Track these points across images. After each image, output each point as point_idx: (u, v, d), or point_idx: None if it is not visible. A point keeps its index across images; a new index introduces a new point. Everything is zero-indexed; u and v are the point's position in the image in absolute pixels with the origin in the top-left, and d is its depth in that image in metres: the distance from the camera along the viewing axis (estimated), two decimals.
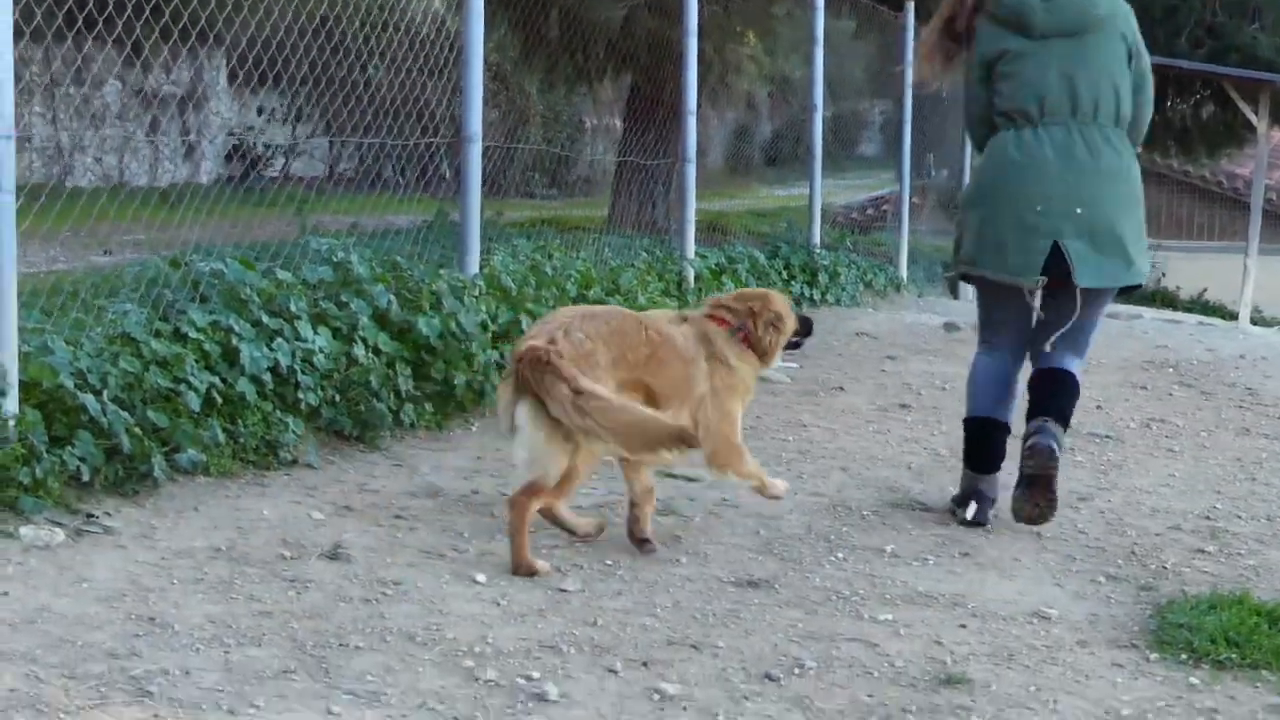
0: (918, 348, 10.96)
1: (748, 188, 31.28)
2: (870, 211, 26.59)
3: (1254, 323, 19.99)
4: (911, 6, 15.23)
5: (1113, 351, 11.50)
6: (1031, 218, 6.14)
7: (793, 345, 6.24)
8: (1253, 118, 18.91)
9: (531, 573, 5.17)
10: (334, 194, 14.44)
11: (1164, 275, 29.29)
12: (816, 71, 13.36)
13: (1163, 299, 26.38)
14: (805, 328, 6.34)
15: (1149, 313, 16.71)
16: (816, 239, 13.37)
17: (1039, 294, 6.14)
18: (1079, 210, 6.12)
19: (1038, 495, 6.09)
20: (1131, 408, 9.27)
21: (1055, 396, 6.32)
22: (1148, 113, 6.37)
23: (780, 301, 6.12)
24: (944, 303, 15.46)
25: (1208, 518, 6.69)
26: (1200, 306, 24.95)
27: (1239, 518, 6.75)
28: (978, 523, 6.24)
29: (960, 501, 6.39)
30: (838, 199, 25.81)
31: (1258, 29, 19.38)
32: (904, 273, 15.16)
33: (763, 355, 5.98)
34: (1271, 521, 6.71)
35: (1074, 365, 6.42)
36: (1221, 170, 29.32)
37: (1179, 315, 18.12)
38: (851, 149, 39.73)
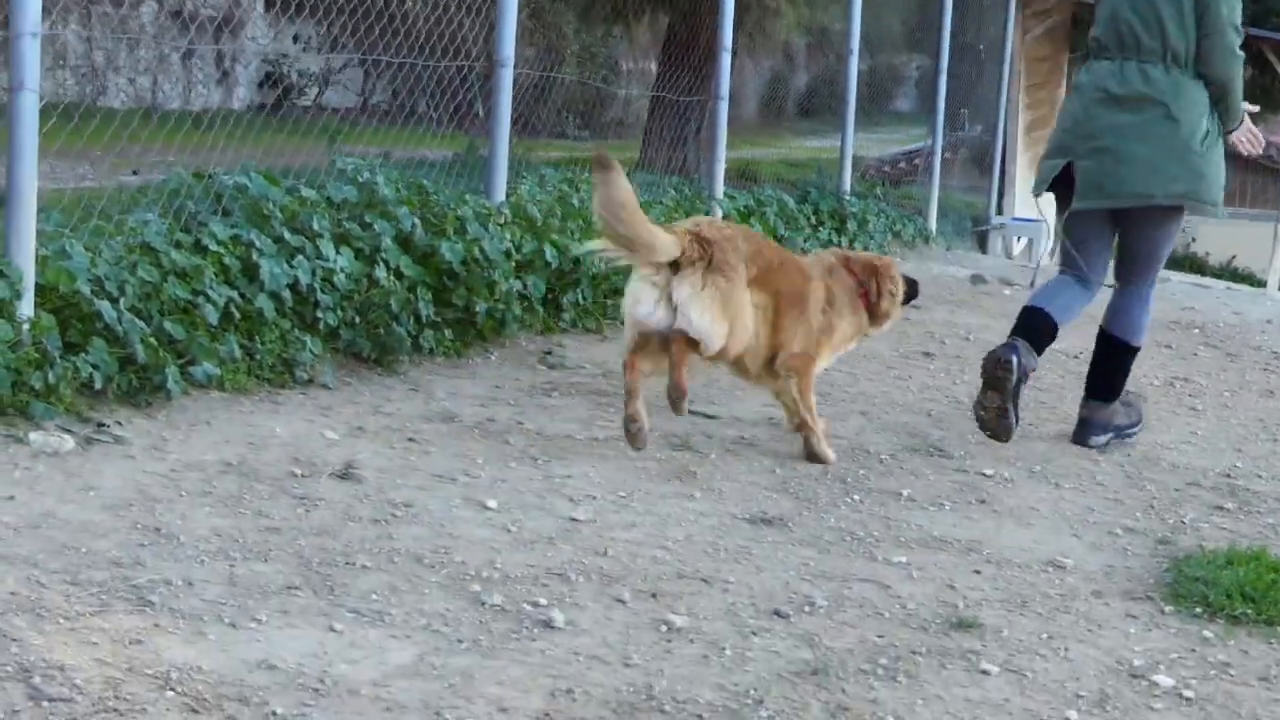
0: (943, 298, 10.87)
1: (780, 137, 31.09)
2: (903, 165, 26.38)
3: None
4: None
5: None
6: (1058, 137, 6.88)
7: (905, 302, 6.67)
8: None
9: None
10: (367, 126, 14.36)
11: (1193, 240, 29.16)
12: (855, 15, 13.23)
13: (1191, 264, 26.23)
14: (913, 290, 6.73)
15: (1176, 276, 16.58)
16: (846, 186, 13.24)
17: (1052, 209, 6.98)
18: (1094, 136, 6.66)
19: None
20: (1156, 365, 9.17)
21: (1101, 373, 6.96)
22: (1218, 56, 6.58)
23: (898, 270, 6.59)
24: (973, 256, 15.38)
25: (1228, 475, 6.64)
26: (1229, 273, 24.82)
27: (1259, 476, 6.70)
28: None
29: None
30: (871, 152, 25.64)
31: None
32: (933, 225, 15.02)
33: (876, 317, 6.45)
34: None
35: (1132, 306, 6.93)
36: None
37: (1207, 280, 17.99)
38: (886, 103, 39.48)
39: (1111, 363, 6.98)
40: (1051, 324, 6.70)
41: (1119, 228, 6.88)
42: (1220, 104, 6.70)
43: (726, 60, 10.59)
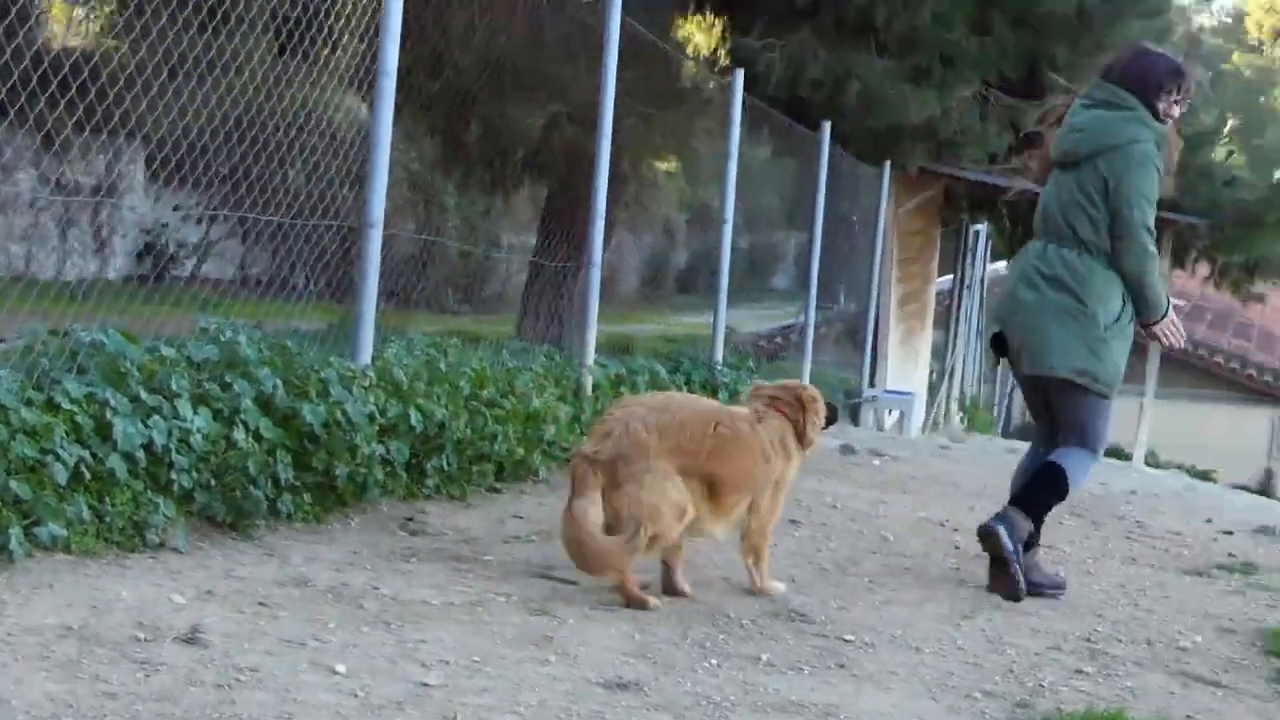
0: (812, 468, 10.85)
1: (660, 313, 31.37)
2: (779, 340, 26.61)
3: (1148, 465, 20.15)
4: (828, 126, 15.29)
5: (1006, 479, 11.51)
6: (995, 306, 7.75)
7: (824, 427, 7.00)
8: None
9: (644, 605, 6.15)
10: (245, 298, 14.29)
11: None
12: (729, 185, 13.38)
13: None
14: (833, 415, 7.08)
15: None
16: (719, 356, 13.32)
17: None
18: (1016, 309, 7.34)
19: (994, 574, 7.20)
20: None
21: (1024, 486, 7.45)
22: (1131, 257, 7.08)
23: (819, 394, 6.97)
24: (845, 428, 15.46)
25: (1088, 639, 6.66)
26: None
27: (1119, 640, 6.72)
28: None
29: None
30: (749, 327, 25.89)
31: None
32: None
33: (804, 444, 6.77)
34: (1151, 645, 6.70)
35: (1065, 458, 7.33)
36: None
37: None
38: (766, 280, 39.98)
39: (1038, 480, 7.41)
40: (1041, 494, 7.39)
41: (1048, 395, 7.39)
42: (1137, 298, 7.15)
43: (599, 227, 10.64)
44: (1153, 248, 7.13)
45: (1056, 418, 7.42)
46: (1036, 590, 7.32)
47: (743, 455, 6.44)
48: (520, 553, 6.97)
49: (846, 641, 6.12)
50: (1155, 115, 7.21)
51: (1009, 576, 7.15)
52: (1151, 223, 7.11)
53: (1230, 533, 10.53)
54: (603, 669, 5.34)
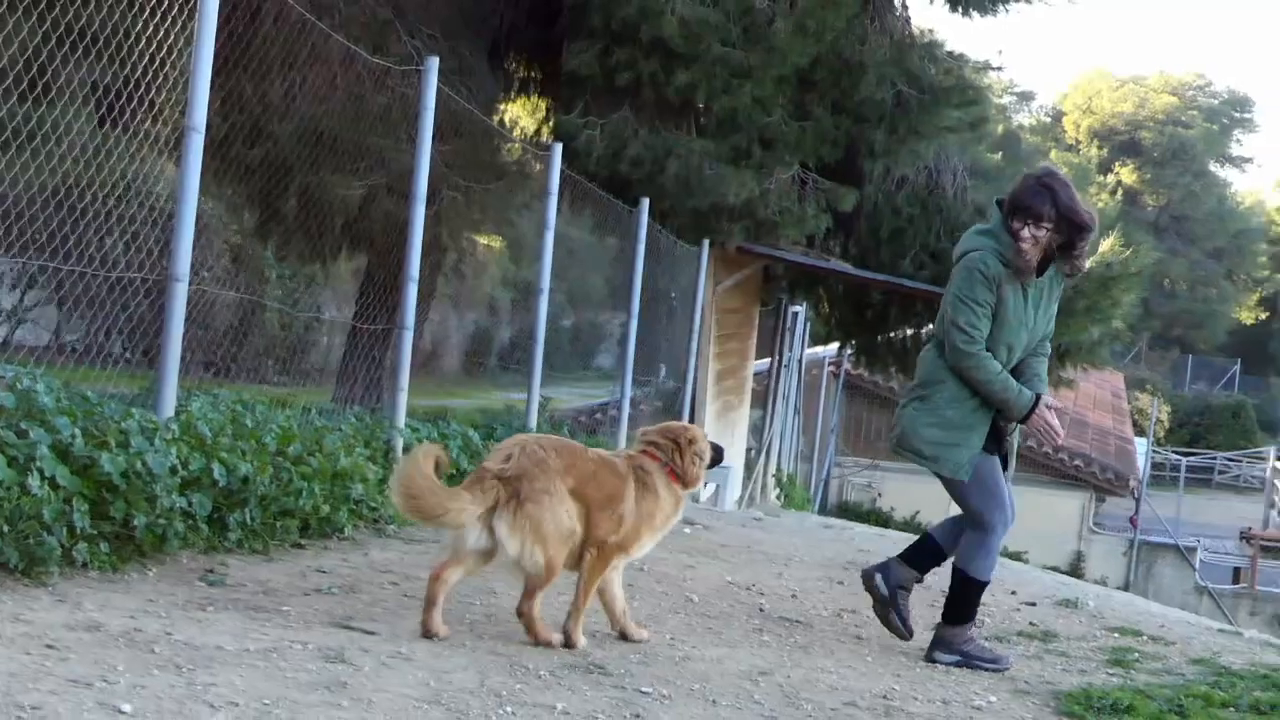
0: None
1: (481, 388, 31.33)
2: (599, 415, 26.75)
3: None
4: (646, 204, 15.42)
5: (817, 552, 11.72)
6: None
7: (711, 465, 7.24)
8: None
9: (548, 643, 6.61)
10: (58, 364, 14.06)
11: (879, 496, 30.02)
12: (546, 255, 13.44)
13: (876, 519, 26.93)
14: (718, 454, 7.29)
15: (860, 527, 17.02)
16: (533, 422, 13.35)
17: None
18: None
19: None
20: (827, 599, 9.34)
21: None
22: (949, 352, 7.68)
23: (699, 433, 7.17)
24: None
25: (884, 697, 6.75)
26: (914, 529, 25.44)
27: (915, 699, 6.83)
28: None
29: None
30: (572, 404, 26.02)
31: None
32: None
33: (687, 483, 7.05)
34: (946, 704, 6.81)
35: (960, 554, 8.10)
36: None
37: (889, 531, 18.45)
38: (590, 359, 40.15)
39: (954, 591, 8.00)
40: (935, 545, 8.28)
41: None
42: (986, 397, 7.68)
43: (412, 290, 10.65)
44: (967, 347, 7.52)
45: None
46: (971, 663, 7.82)
47: (619, 486, 6.79)
48: (321, 604, 6.92)
49: (644, 694, 6.14)
50: (1010, 233, 7.57)
51: (888, 620, 8.11)
52: (965, 322, 7.53)
53: (1033, 604, 10.70)
54: (396, 714, 5.31)
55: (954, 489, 7.89)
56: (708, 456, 7.12)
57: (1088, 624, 10.02)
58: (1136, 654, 8.98)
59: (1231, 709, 7.50)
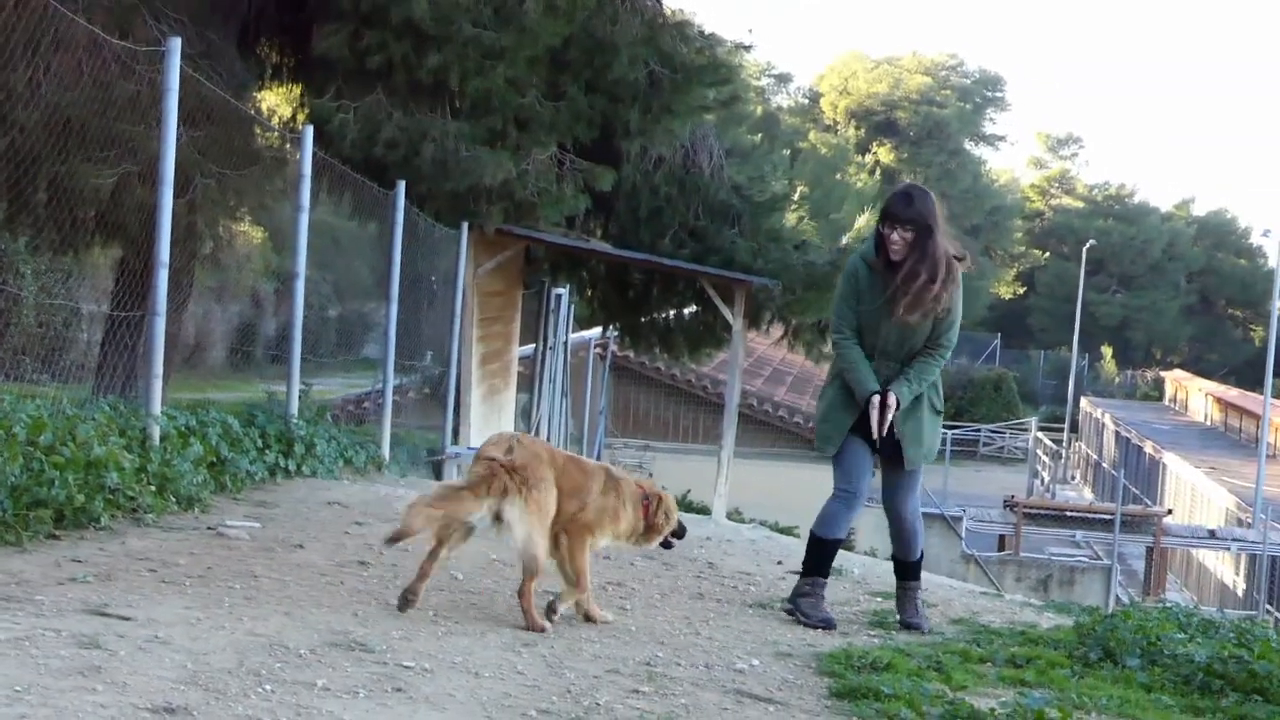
0: (387, 516, 10.87)
1: (248, 381, 30.92)
2: (367, 404, 26.62)
3: (731, 520, 20.63)
4: (402, 187, 15.31)
5: None
6: None
7: (665, 543, 8.07)
8: (730, 316, 19.69)
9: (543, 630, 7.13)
10: None
11: (650, 475, 30.17)
12: (301, 238, 13.30)
13: None
14: (681, 531, 8.11)
15: None
16: (294, 410, 13.21)
17: None
18: None
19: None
20: (594, 571, 9.36)
21: None
22: None
23: (675, 506, 8.03)
24: (427, 482, 15.44)
25: (648, 664, 6.81)
26: (684, 506, 25.64)
27: (679, 664, 6.90)
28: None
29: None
30: (341, 393, 25.85)
31: (736, 233, 20.20)
32: (386, 453, 15.09)
33: (647, 529, 7.79)
34: (709, 669, 6.89)
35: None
36: (706, 375, 30.46)
37: None
38: (357, 349, 39.80)
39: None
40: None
41: None
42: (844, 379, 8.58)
43: (163, 275, 10.48)
44: (832, 334, 8.61)
45: None
46: (797, 613, 8.59)
47: (585, 479, 7.53)
48: (75, 593, 6.79)
49: (406, 668, 6.13)
50: (878, 236, 8.42)
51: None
52: (834, 312, 8.62)
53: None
54: (152, 696, 5.24)
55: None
56: (674, 522, 7.93)
57: (852, 590, 10.20)
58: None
59: (989, 664, 7.69)
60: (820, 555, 8.73)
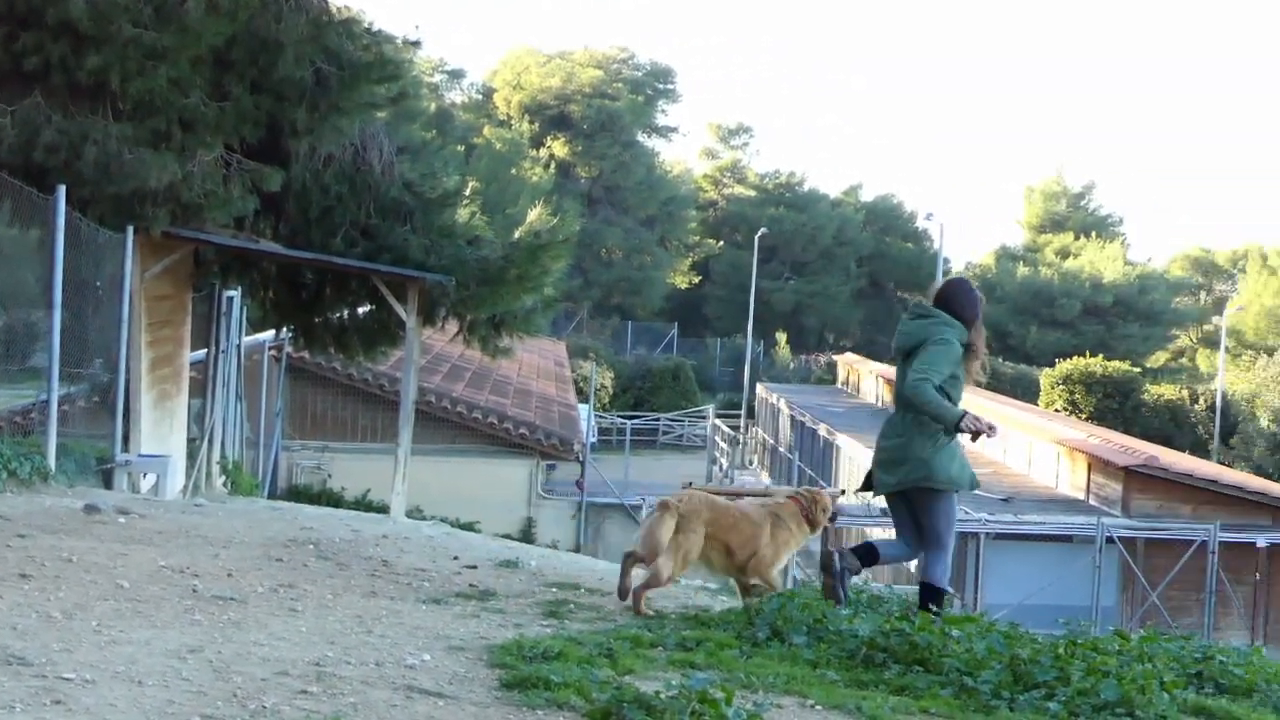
0: (52, 528, 10.67)
1: None
2: (34, 415, 25.91)
3: (412, 518, 20.61)
4: (63, 192, 14.91)
5: (259, 532, 11.69)
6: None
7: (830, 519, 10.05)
8: (403, 314, 19.64)
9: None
10: None
11: (330, 476, 30.04)
12: None
13: (328, 499, 26.94)
14: (835, 514, 10.09)
15: (310, 509, 17.02)
16: None
17: None
18: None
19: (821, 580, 9.64)
20: (264, 576, 9.35)
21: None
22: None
23: (828, 499, 9.98)
24: (96, 491, 15.13)
25: (317, 664, 6.83)
26: (364, 506, 25.54)
27: (348, 663, 6.93)
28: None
29: None
30: (8, 405, 25.09)
31: (409, 231, 20.13)
32: (52, 463, 14.73)
33: (812, 526, 9.84)
34: (380, 666, 6.94)
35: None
36: (384, 373, 30.35)
37: (339, 510, 18.51)
38: (25, 359, 38.64)
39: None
40: (874, 550, 9.74)
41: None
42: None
43: None
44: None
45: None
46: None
47: (757, 525, 9.62)
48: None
49: (66, 680, 6.06)
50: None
51: (832, 589, 9.43)
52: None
53: (474, 566, 10.96)
54: None
55: None
56: (829, 508, 9.92)
57: (527, 582, 10.35)
58: (572, 605, 9.34)
59: (660, 648, 7.87)
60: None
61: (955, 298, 9.81)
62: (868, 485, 9.93)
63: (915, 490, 9.56)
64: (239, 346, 24.69)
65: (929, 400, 9.35)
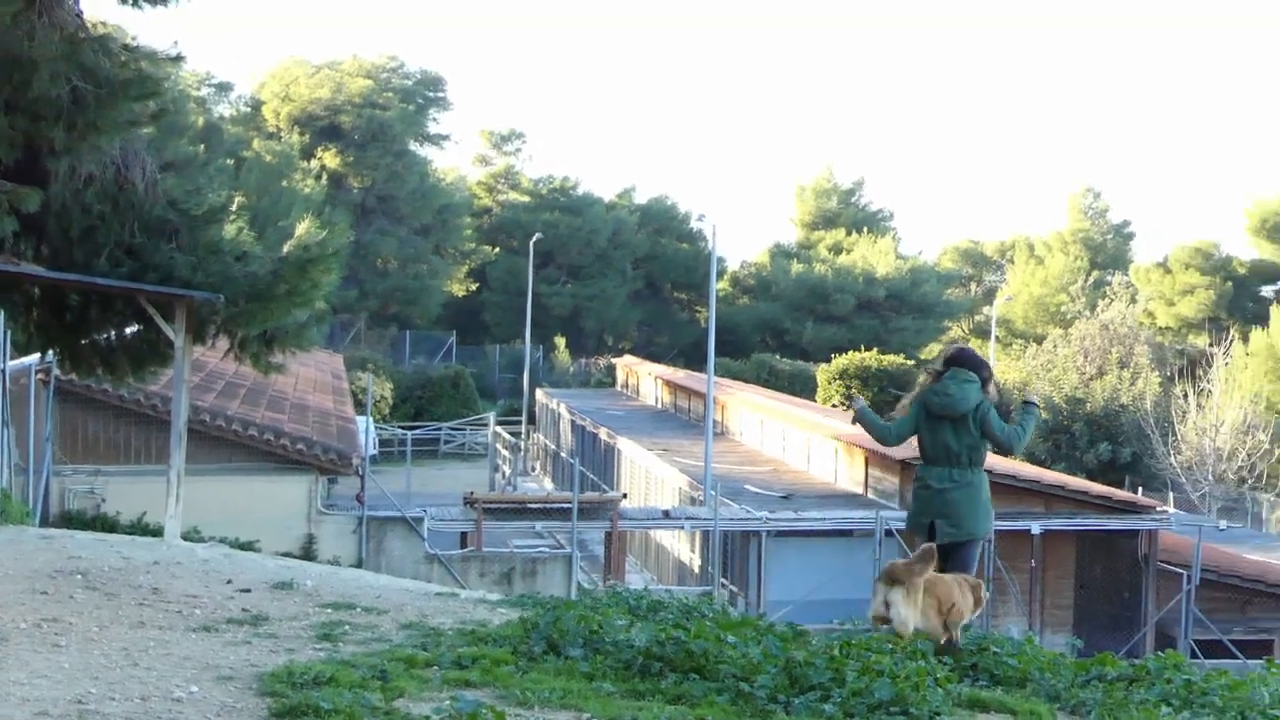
0: None
1: None
2: None
3: (189, 540, 20.24)
4: None
5: (25, 564, 11.40)
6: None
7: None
8: (170, 333, 19.28)
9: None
10: None
11: (104, 501, 29.41)
12: None
13: (103, 524, 26.36)
14: (982, 597, 10.41)
15: (82, 535, 16.65)
16: None
17: None
18: None
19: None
20: (28, 610, 9.14)
21: None
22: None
23: (980, 583, 10.44)
24: None
25: (80, 701, 6.70)
26: (140, 530, 25.06)
27: (113, 699, 6.81)
28: None
29: None
30: None
31: (175, 248, 19.77)
32: None
33: (975, 603, 10.15)
34: (145, 701, 6.83)
35: None
36: (156, 394, 29.79)
37: (111, 536, 18.11)
38: None
39: None
40: None
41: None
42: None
43: None
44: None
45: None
46: None
47: (950, 589, 9.94)
48: None
49: None
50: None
51: None
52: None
53: (249, 590, 10.80)
54: None
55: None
56: (983, 593, 10.35)
57: (302, 603, 10.24)
58: (347, 626, 9.24)
59: (434, 668, 7.84)
60: None
61: (970, 360, 11.29)
62: (930, 534, 10.88)
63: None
64: (3, 371, 24.08)
65: (1026, 442, 11.35)
